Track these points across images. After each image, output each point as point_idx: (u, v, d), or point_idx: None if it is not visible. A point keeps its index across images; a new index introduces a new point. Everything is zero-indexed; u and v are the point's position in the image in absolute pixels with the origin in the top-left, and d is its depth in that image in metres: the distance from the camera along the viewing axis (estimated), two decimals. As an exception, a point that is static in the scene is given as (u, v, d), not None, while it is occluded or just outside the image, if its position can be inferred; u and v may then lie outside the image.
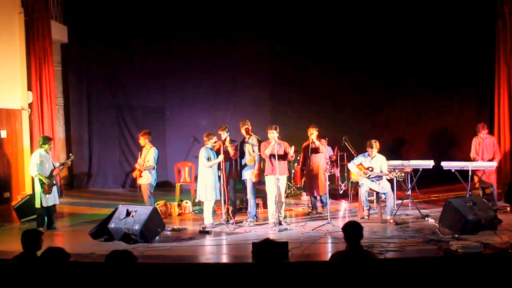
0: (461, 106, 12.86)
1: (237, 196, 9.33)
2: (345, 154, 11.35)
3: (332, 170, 10.98)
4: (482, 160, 9.41)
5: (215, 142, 8.60)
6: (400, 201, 9.46)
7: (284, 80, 13.22)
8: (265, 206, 9.18)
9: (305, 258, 6.55)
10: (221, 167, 8.50)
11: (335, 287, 4.44)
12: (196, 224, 8.69)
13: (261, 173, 8.79)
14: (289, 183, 10.97)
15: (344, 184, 11.29)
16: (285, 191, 9.28)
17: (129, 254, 4.10)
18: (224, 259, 6.92)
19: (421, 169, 9.23)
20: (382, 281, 4.45)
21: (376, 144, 8.66)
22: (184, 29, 13.19)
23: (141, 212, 7.62)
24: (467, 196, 8.67)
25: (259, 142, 8.78)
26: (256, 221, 8.74)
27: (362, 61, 12.85)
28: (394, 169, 8.73)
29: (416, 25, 12.51)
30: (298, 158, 11.28)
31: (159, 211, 8.56)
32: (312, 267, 6.01)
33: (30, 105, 11.20)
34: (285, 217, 8.81)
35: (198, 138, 12.06)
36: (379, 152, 8.82)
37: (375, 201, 8.98)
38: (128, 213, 7.60)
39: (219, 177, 8.52)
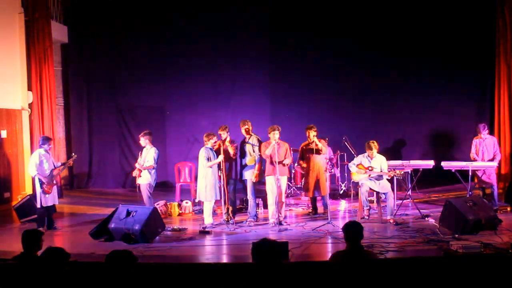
0: (461, 106, 12.84)
1: (237, 196, 9.32)
2: (345, 154, 11.36)
3: (332, 170, 10.98)
4: (482, 160, 9.41)
5: (215, 142, 8.60)
6: (400, 201, 9.46)
7: (284, 80, 13.21)
8: (265, 206, 9.18)
9: (305, 258, 6.55)
10: (221, 167, 8.50)
11: (335, 287, 4.44)
12: (196, 224, 8.68)
13: (261, 173, 8.79)
14: (289, 183, 10.96)
15: (344, 184, 11.29)
16: (285, 191, 9.27)
17: (129, 254, 4.10)
18: (224, 259, 6.92)
19: (421, 169, 9.24)
20: (382, 281, 4.45)
21: (374, 145, 8.65)
22: (184, 29, 13.18)
23: (141, 212, 7.62)
24: (467, 196, 8.68)
25: (260, 142, 8.78)
26: (256, 221, 8.74)
27: (362, 61, 12.84)
28: (394, 169, 8.74)
29: (417, 25, 12.51)
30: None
31: (159, 211, 8.56)
32: (312, 267, 6.01)
33: (30, 105, 11.21)
34: (285, 217, 8.80)
35: (198, 138, 12.06)
36: (379, 152, 8.82)
37: (375, 201, 8.98)
38: (128, 213, 7.60)
39: (219, 177, 8.52)
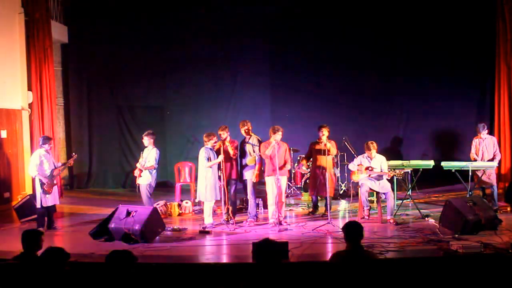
0: (461, 106, 12.85)
1: (237, 196, 9.33)
2: (345, 154, 11.36)
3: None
4: (482, 160, 9.41)
5: (215, 142, 8.60)
6: (400, 201, 9.46)
7: (284, 80, 13.21)
8: (265, 206, 9.17)
9: (305, 258, 6.54)
10: (221, 167, 8.50)
11: (335, 287, 4.44)
12: (196, 224, 8.69)
13: (261, 173, 8.78)
14: (289, 183, 10.96)
15: (344, 184, 11.30)
16: (285, 191, 9.26)
17: (129, 254, 4.10)
18: (224, 259, 6.92)
19: (421, 169, 9.24)
20: (382, 281, 4.45)
21: (373, 146, 8.65)
22: (184, 29, 13.18)
23: (141, 212, 7.62)
24: (467, 196, 8.68)
25: (260, 142, 8.78)
26: (256, 221, 8.74)
27: (362, 62, 12.83)
28: (394, 169, 8.74)
29: (417, 26, 12.51)
30: (298, 159, 11.31)
31: (159, 211, 8.56)
32: (312, 267, 6.01)
33: (30, 105, 11.21)
34: (285, 217, 8.80)
35: (198, 138, 12.07)
36: (379, 152, 8.82)
37: (375, 201, 8.98)
38: (128, 213, 7.60)
39: (219, 177, 8.52)
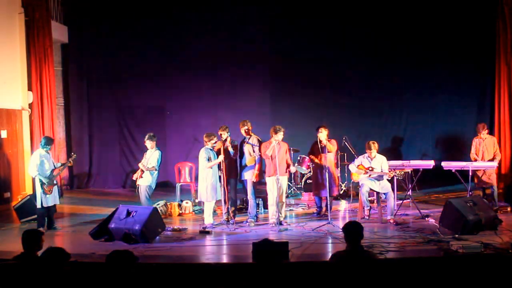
0: (461, 106, 12.85)
1: (237, 196, 9.32)
2: (345, 154, 11.35)
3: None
4: (482, 160, 9.41)
5: (215, 143, 8.60)
6: (400, 201, 9.46)
7: (284, 80, 13.21)
8: (265, 206, 9.16)
9: (305, 258, 6.54)
10: (222, 167, 8.50)
11: (335, 287, 4.44)
12: (197, 224, 8.69)
13: (261, 173, 8.78)
14: (289, 183, 10.96)
15: (344, 184, 11.30)
16: (285, 191, 9.25)
17: (130, 254, 4.10)
18: (224, 259, 6.92)
19: (421, 169, 9.24)
20: (382, 281, 4.45)
21: (374, 145, 8.65)
22: (184, 29, 13.19)
23: (142, 212, 7.62)
24: (467, 196, 8.68)
25: (260, 142, 8.78)
26: (257, 221, 8.74)
27: (362, 62, 12.85)
28: (394, 169, 8.74)
29: (417, 26, 12.51)
30: (298, 159, 11.30)
31: (159, 211, 8.56)
32: (312, 267, 6.01)
33: (30, 105, 11.21)
34: (285, 217, 8.80)
35: (198, 138, 12.07)
36: (379, 152, 8.82)
37: (375, 201, 8.98)
38: (128, 213, 7.60)
39: (220, 177, 8.51)
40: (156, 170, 8.85)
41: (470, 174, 8.98)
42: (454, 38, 12.40)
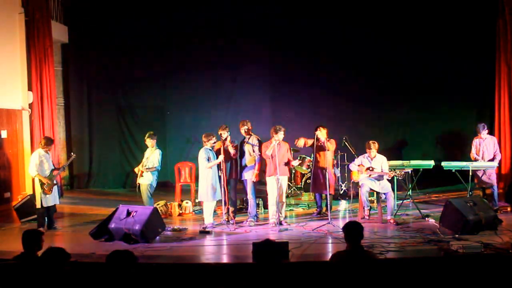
0: (462, 106, 12.84)
1: (237, 196, 9.32)
2: (345, 154, 11.35)
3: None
4: (482, 160, 9.41)
5: (214, 143, 8.59)
6: (401, 201, 9.46)
7: (284, 80, 13.20)
8: (265, 206, 9.16)
9: (305, 258, 6.54)
10: (221, 167, 8.49)
11: (335, 287, 4.44)
12: (197, 224, 8.69)
13: (261, 173, 8.78)
14: (289, 183, 10.95)
15: (344, 184, 11.29)
16: (286, 191, 9.25)
17: (130, 254, 4.10)
18: (225, 259, 6.92)
19: (421, 169, 9.23)
20: (382, 281, 4.45)
21: (374, 145, 8.65)
22: (184, 29, 13.18)
23: (142, 212, 7.62)
24: (468, 196, 8.68)
25: (260, 142, 8.78)
26: (257, 221, 8.74)
27: (363, 63, 12.83)
28: (394, 169, 8.74)
29: (417, 26, 12.49)
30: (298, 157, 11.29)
31: (159, 211, 8.56)
32: (312, 267, 6.01)
33: (30, 105, 11.21)
34: (285, 217, 8.80)
35: (198, 138, 12.07)
36: (380, 152, 8.82)
37: (375, 201, 8.97)
38: (128, 213, 7.60)
39: (220, 177, 8.51)
40: (157, 170, 8.84)
41: (470, 174, 8.99)
42: (454, 38, 12.38)
